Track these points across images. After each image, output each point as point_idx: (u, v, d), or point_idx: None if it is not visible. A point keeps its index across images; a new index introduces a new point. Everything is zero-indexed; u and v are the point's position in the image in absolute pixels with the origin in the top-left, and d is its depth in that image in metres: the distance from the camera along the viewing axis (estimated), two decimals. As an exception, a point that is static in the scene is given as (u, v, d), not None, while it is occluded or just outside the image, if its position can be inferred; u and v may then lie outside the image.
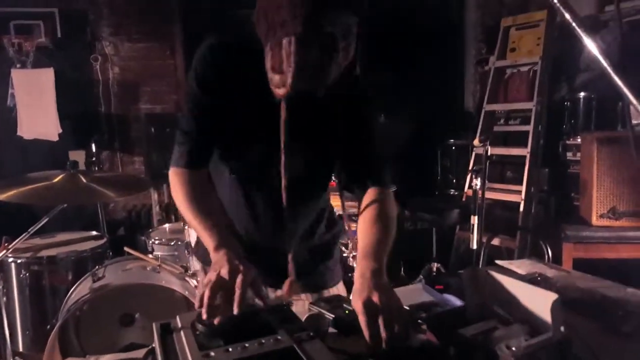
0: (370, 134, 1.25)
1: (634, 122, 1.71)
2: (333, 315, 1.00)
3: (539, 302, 0.81)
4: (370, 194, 1.21)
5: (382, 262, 1.05)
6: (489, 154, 2.51)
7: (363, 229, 1.16)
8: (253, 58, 1.05)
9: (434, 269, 3.43)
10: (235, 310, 0.87)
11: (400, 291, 1.31)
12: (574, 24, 0.72)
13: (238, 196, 1.25)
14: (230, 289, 0.90)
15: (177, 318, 0.90)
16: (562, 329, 0.80)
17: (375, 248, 1.09)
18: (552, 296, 0.79)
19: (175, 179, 1.17)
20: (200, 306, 0.88)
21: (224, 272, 0.94)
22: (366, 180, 1.21)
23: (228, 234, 1.08)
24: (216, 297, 0.90)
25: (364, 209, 1.20)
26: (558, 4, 0.74)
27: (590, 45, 0.72)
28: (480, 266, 2.38)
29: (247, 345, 0.79)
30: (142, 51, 4.01)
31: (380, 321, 0.86)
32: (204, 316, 0.87)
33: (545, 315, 0.80)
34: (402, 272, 3.73)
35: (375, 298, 0.91)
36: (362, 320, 0.88)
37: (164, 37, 4.04)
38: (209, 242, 1.05)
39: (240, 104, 1.15)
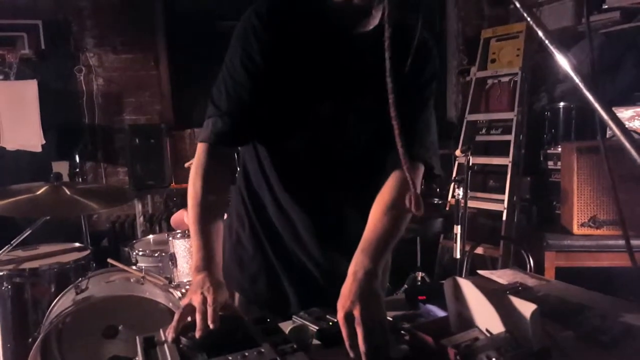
0: (426, 99, 1.15)
1: (609, 133, 1.76)
2: (317, 327, 1.01)
3: (519, 312, 0.83)
4: (398, 175, 1.09)
5: (379, 261, 0.99)
6: (470, 163, 2.54)
7: (373, 215, 1.07)
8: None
9: (419, 278, 3.45)
10: (211, 325, 0.87)
11: (384, 302, 1.33)
12: (546, 41, 0.75)
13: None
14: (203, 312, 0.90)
15: (161, 331, 0.90)
16: (541, 339, 0.82)
17: (379, 243, 1.02)
18: (531, 307, 0.81)
19: (200, 154, 1.09)
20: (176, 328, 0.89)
21: (196, 299, 0.93)
22: (408, 151, 0.93)
23: (213, 254, 1.05)
24: (185, 319, 0.91)
25: (384, 189, 1.09)
26: (531, 22, 0.77)
27: (562, 61, 0.74)
28: (463, 275, 2.41)
29: (230, 358, 0.79)
30: (126, 62, 4.00)
31: (360, 334, 0.85)
32: (170, 336, 0.87)
33: (525, 325, 0.82)
34: (386, 282, 3.74)
35: (357, 309, 0.89)
36: (343, 331, 0.88)
37: (148, 48, 4.04)
38: (194, 258, 1.05)
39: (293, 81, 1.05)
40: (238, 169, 1.26)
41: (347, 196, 1.15)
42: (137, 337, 0.90)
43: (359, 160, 1.12)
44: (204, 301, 0.91)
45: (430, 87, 1.16)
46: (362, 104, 1.08)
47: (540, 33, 0.75)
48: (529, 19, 0.75)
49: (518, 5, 0.74)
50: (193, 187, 1.09)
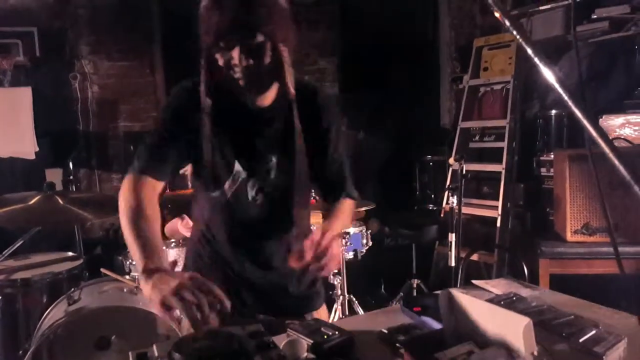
0: (329, 146, 1.37)
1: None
2: (311, 341, 1.01)
3: (512, 325, 0.83)
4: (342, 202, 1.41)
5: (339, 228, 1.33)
6: (464, 171, 2.55)
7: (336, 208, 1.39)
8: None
9: (414, 286, 3.46)
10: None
11: (378, 314, 1.33)
12: (532, 55, 0.76)
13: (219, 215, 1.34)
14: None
15: (154, 347, 0.90)
16: (535, 352, 0.83)
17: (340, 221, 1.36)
18: (524, 320, 0.81)
19: (126, 181, 1.23)
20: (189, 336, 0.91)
21: (166, 293, 0.95)
22: (336, 193, 1.41)
23: (158, 256, 1.09)
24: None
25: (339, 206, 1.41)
26: (519, 39, 0.78)
27: (548, 74, 0.75)
28: (458, 283, 2.41)
29: (225, 374, 0.79)
30: (121, 69, 4.00)
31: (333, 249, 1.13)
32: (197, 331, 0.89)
33: (518, 338, 0.82)
34: (382, 289, 3.74)
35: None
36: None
37: (144, 55, 4.04)
38: (137, 257, 1.08)
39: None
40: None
41: (275, 231, 1.37)
42: (130, 353, 0.89)
43: (280, 202, 1.33)
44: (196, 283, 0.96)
45: (331, 130, 1.38)
46: (275, 160, 1.32)
47: (527, 48, 0.76)
48: (515, 33, 0.77)
49: (507, 23, 0.75)
50: (121, 202, 1.21)
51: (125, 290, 2.06)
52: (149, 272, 1.02)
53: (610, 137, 2.66)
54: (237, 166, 1.29)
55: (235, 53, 1.14)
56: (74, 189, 3.63)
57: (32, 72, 3.71)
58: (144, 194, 1.20)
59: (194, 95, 1.24)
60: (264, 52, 1.16)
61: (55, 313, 1.92)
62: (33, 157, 3.65)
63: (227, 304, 0.96)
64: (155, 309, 0.97)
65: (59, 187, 3.37)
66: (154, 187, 1.24)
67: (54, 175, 3.54)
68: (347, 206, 1.41)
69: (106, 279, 2.18)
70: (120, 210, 1.19)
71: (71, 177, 3.74)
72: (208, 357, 0.84)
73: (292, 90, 1.23)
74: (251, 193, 1.31)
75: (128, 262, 2.40)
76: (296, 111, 1.27)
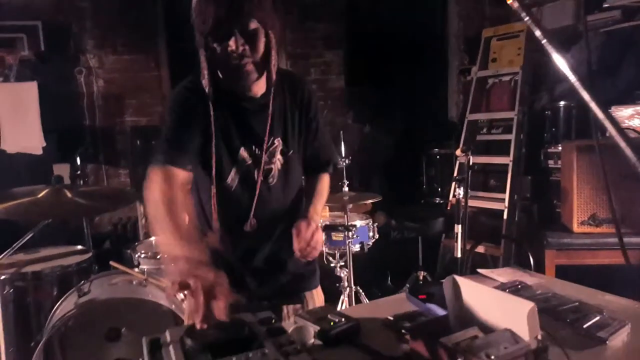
0: (311, 126, 1.46)
1: (608, 133, 1.76)
2: (318, 327, 1.02)
3: (517, 310, 0.83)
4: (321, 177, 1.55)
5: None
6: (471, 163, 2.54)
7: (315, 187, 1.52)
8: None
9: (420, 278, 3.46)
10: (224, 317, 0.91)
11: (384, 302, 1.34)
12: (544, 41, 0.76)
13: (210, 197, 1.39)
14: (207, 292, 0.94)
15: (167, 332, 0.91)
16: (539, 336, 0.83)
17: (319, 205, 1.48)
18: (529, 305, 0.81)
19: (151, 178, 1.25)
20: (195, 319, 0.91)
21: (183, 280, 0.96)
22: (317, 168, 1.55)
23: (191, 242, 1.11)
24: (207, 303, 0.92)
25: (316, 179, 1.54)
26: (530, 21, 0.78)
27: (559, 61, 0.75)
28: (464, 274, 2.41)
29: (234, 359, 0.80)
30: (126, 64, 4.01)
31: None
32: (200, 326, 0.89)
33: (522, 323, 0.82)
34: (389, 281, 3.75)
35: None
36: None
37: (149, 49, 4.06)
38: (173, 251, 1.09)
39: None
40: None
41: (278, 212, 1.44)
42: (144, 339, 0.91)
43: (283, 185, 1.43)
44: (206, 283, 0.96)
45: (316, 115, 1.49)
46: (276, 145, 1.40)
47: (538, 33, 0.76)
48: (527, 19, 0.76)
49: (519, 9, 0.75)
50: (148, 195, 1.23)
51: (134, 282, 2.09)
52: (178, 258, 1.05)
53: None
54: (242, 153, 1.36)
55: (232, 40, 1.20)
56: (82, 184, 3.65)
57: (38, 67, 3.73)
58: (171, 184, 1.24)
59: (195, 90, 1.31)
60: (258, 38, 1.23)
61: (66, 305, 1.94)
62: (40, 152, 3.68)
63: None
64: (166, 293, 1.00)
65: (67, 182, 3.42)
66: (180, 176, 1.28)
67: (61, 170, 3.55)
68: (324, 182, 1.54)
69: (115, 272, 2.20)
70: (150, 202, 1.21)
71: (79, 172, 3.77)
72: (220, 343, 0.85)
73: (274, 75, 1.32)
74: (255, 179, 1.37)
75: (137, 255, 2.42)
76: (288, 97, 1.39)
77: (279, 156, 1.40)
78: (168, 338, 0.89)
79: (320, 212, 1.46)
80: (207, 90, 1.29)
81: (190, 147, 1.32)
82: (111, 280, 2.08)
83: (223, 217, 1.39)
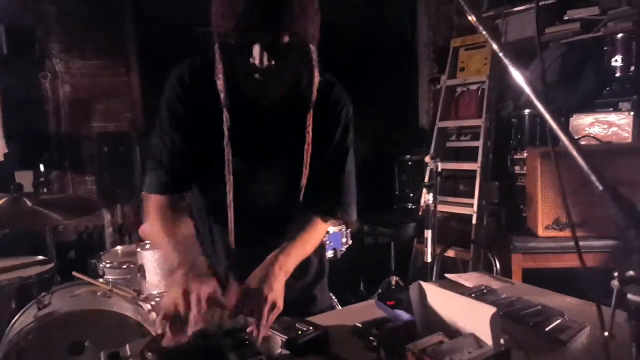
0: (332, 150, 1.23)
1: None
2: (286, 337, 1.01)
3: (480, 315, 0.85)
4: (315, 221, 1.26)
5: (293, 266, 1.15)
6: (439, 169, 2.58)
7: (301, 229, 1.23)
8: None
9: (393, 283, 3.48)
10: (189, 331, 0.90)
11: (354, 308, 1.34)
12: (500, 55, 0.78)
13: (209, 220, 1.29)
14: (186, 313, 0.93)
15: (127, 347, 0.89)
16: (502, 341, 0.84)
17: (298, 253, 1.18)
18: (491, 310, 0.83)
19: (150, 204, 1.20)
20: (162, 336, 0.90)
21: (177, 296, 0.95)
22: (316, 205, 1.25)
23: (188, 254, 1.09)
24: (176, 323, 0.92)
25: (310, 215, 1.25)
26: (490, 39, 0.80)
27: (516, 75, 0.77)
28: (434, 278, 2.44)
29: (197, 371, 0.78)
30: (95, 68, 3.92)
31: (267, 308, 1.00)
32: (164, 343, 0.87)
33: (486, 328, 0.83)
34: (361, 287, 3.76)
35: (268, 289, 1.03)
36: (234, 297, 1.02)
37: (118, 53, 3.97)
38: (170, 261, 1.07)
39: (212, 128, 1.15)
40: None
41: (276, 228, 1.24)
42: (102, 354, 0.88)
43: (276, 205, 1.24)
44: (187, 299, 0.94)
45: (346, 136, 1.27)
46: (277, 157, 1.20)
47: (496, 48, 0.78)
48: (485, 34, 0.78)
49: (481, 28, 0.76)
50: (149, 221, 1.19)
51: (99, 293, 2.03)
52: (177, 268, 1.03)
53: (581, 136, 2.72)
54: (241, 163, 1.18)
55: (256, 51, 1.00)
56: (45, 192, 3.53)
57: (0, 71, 3.61)
58: (170, 215, 1.17)
59: (198, 80, 1.15)
60: (290, 55, 1.03)
61: (25, 319, 1.87)
62: (2, 159, 3.56)
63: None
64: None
65: (29, 190, 3.31)
66: (177, 202, 1.21)
67: (24, 178, 3.44)
68: (317, 232, 1.24)
69: (79, 283, 2.14)
70: (153, 236, 1.20)
71: (42, 180, 3.65)
72: (182, 356, 0.83)
73: (314, 96, 1.13)
74: (255, 191, 1.22)
75: (102, 265, 2.36)
76: (314, 95, 1.14)
77: (282, 170, 1.21)
78: (128, 352, 0.86)
79: (292, 268, 1.15)
80: (222, 96, 1.09)
81: (188, 162, 1.17)
82: (74, 292, 2.02)
83: (219, 227, 1.27)
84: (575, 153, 0.60)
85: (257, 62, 1.00)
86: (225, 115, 1.11)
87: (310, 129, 1.15)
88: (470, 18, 0.76)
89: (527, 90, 0.67)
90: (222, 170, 1.16)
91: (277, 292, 1.03)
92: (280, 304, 1.03)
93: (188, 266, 1.04)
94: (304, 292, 1.35)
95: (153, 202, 1.20)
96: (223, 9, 0.99)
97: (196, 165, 1.19)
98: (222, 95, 1.09)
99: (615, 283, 0.56)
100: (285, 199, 1.23)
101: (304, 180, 1.19)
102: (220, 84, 1.09)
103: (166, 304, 0.96)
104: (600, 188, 0.57)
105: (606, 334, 0.60)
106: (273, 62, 1.01)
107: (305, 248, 1.21)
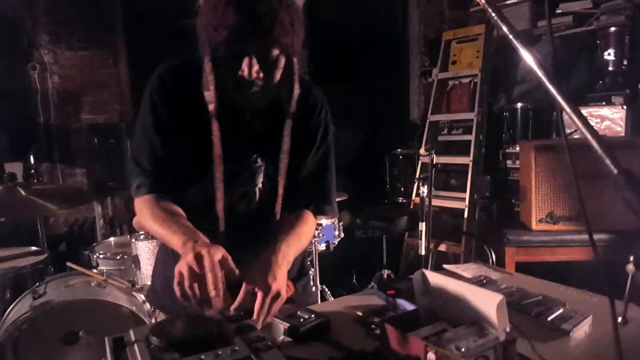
0: (315, 154, 1.25)
1: (568, 130, 1.83)
2: (288, 324, 1.00)
3: (485, 303, 0.85)
4: (305, 215, 1.26)
5: (291, 256, 1.14)
6: (434, 162, 2.59)
7: (295, 221, 1.23)
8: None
9: (385, 276, 3.50)
10: (212, 294, 0.90)
11: (353, 298, 1.34)
12: (511, 37, 0.77)
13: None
14: (202, 276, 0.92)
15: (131, 331, 0.88)
16: (507, 328, 0.85)
17: (296, 245, 1.17)
18: (498, 297, 0.83)
19: (142, 206, 1.17)
20: (186, 299, 0.91)
21: (190, 260, 0.94)
22: (304, 205, 1.26)
23: (194, 230, 1.08)
24: (194, 287, 0.91)
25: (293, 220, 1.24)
26: (496, 18, 0.79)
27: (527, 56, 0.76)
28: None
29: (203, 357, 0.77)
30: (83, 60, 3.86)
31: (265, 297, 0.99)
32: (192, 306, 0.90)
33: (492, 315, 0.84)
34: (354, 280, 3.77)
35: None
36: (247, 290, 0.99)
37: (107, 45, 3.91)
38: (176, 243, 1.05)
39: (196, 129, 1.14)
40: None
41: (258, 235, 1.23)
42: (106, 338, 0.87)
43: (267, 204, 1.24)
44: (200, 261, 0.94)
45: (319, 132, 1.27)
46: (258, 165, 1.21)
47: (504, 29, 0.77)
48: (494, 15, 0.77)
49: (490, 11, 0.76)
50: (145, 221, 1.16)
51: (93, 284, 2.02)
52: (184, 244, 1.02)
53: (573, 130, 2.75)
54: (225, 166, 1.17)
55: (245, 64, 1.02)
56: (36, 183, 3.48)
57: (-13, 62, 3.54)
58: (162, 208, 1.15)
59: (183, 82, 1.14)
60: (277, 67, 1.06)
61: (20, 308, 1.86)
62: (-10, 150, 3.50)
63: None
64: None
65: (19, 181, 3.25)
66: (165, 197, 1.17)
67: (14, 170, 3.35)
68: (308, 226, 1.25)
69: (73, 273, 2.12)
70: (150, 227, 1.15)
71: (32, 171, 3.60)
72: (187, 340, 0.83)
73: (293, 106, 1.15)
74: (238, 195, 1.23)
75: (95, 256, 2.33)
76: (292, 107, 1.17)
77: (264, 174, 1.22)
78: (132, 337, 0.85)
79: (292, 258, 1.14)
80: (210, 107, 1.10)
81: (173, 162, 1.16)
82: (68, 282, 2.00)
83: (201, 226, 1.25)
84: (589, 136, 0.59)
85: (245, 73, 1.02)
86: (215, 127, 1.12)
87: (287, 139, 1.17)
88: (480, 1, 0.75)
89: (541, 75, 0.66)
90: (206, 176, 1.16)
91: (280, 282, 1.03)
92: (284, 293, 1.02)
93: (195, 238, 1.03)
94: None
95: (142, 203, 1.18)
96: (215, 21, 0.99)
97: (178, 168, 1.18)
98: (212, 106, 1.10)
99: (630, 267, 0.55)
100: (265, 209, 1.24)
101: (281, 190, 1.21)
102: (210, 94, 1.10)
103: (181, 269, 0.94)
104: (615, 171, 0.57)
105: (619, 319, 0.60)
106: (261, 75, 1.03)
107: (301, 241, 1.21)
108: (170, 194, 1.18)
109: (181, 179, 1.19)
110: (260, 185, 1.23)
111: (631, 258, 0.57)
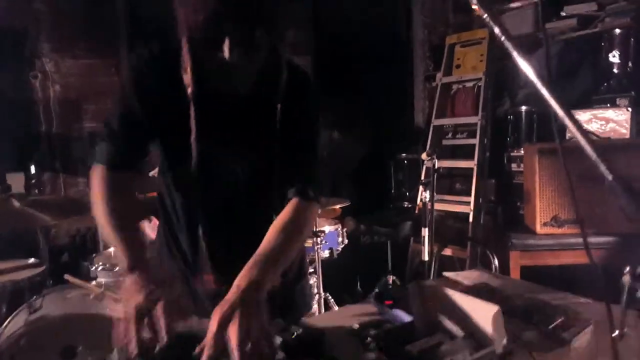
0: (301, 136, 1.22)
1: (568, 135, 1.79)
2: (280, 339, 0.97)
3: (482, 314, 0.82)
4: (296, 201, 1.18)
5: (267, 274, 0.99)
6: (436, 167, 2.56)
7: (269, 233, 1.12)
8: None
9: (390, 282, 3.46)
10: (163, 340, 0.84)
11: (351, 309, 1.31)
12: (508, 45, 0.74)
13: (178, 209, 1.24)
14: (152, 316, 0.88)
15: (114, 352, 0.86)
16: (504, 341, 0.81)
17: (269, 258, 1.03)
18: (493, 308, 0.80)
19: (95, 175, 1.14)
20: (125, 342, 0.85)
21: (140, 300, 0.90)
22: (288, 189, 1.19)
23: (142, 253, 1.05)
24: (141, 330, 0.86)
25: (282, 212, 1.16)
26: (493, 24, 0.76)
27: (523, 64, 0.74)
28: (431, 277, 2.42)
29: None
30: (85, 68, 3.87)
31: (234, 339, 0.83)
32: (134, 351, 0.82)
33: (488, 327, 0.81)
34: (358, 287, 3.74)
35: (236, 315, 0.86)
36: (210, 337, 0.84)
37: (109, 53, 3.93)
38: (123, 257, 1.03)
39: (172, 108, 1.12)
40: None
41: (238, 221, 1.22)
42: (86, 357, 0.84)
43: (254, 194, 1.21)
44: (151, 303, 0.89)
45: (310, 120, 1.24)
46: (244, 148, 1.18)
47: (503, 39, 0.75)
48: (493, 25, 0.75)
49: (486, 16, 0.73)
50: (99, 209, 1.11)
51: (91, 296, 1.98)
52: (131, 270, 0.99)
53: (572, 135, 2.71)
54: (208, 154, 1.14)
55: (227, 45, 0.97)
56: (37, 193, 3.48)
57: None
58: (118, 189, 1.12)
59: (158, 66, 1.12)
60: (260, 49, 1.02)
61: (15, 323, 1.82)
62: (-8, 160, 3.51)
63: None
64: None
65: (21, 191, 3.25)
66: (127, 181, 1.15)
67: (15, 180, 3.38)
68: (300, 222, 1.15)
69: (71, 286, 2.09)
70: (95, 210, 1.12)
71: (34, 181, 3.60)
72: (173, 358, 0.80)
73: (282, 89, 1.13)
74: (224, 184, 1.19)
75: (94, 268, 2.31)
76: (280, 97, 1.14)
77: (251, 162, 1.19)
78: (116, 357, 0.83)
79: (270, 271, 1.01)
80: (189, 90, 1.08)
81: (143, 140, 1.15)
82: (66, 295, 1.97)
83: (185, 225, 1.24)
84: (583, 142, 0.56)
85: (226, 55, 0.98)
86: (192, 110, 1.09)
87: (273, 122, 1.15)
88: (474, 7, 0.73)
89: (534, 79, 0.63)
90: (182, 161, 1.13)
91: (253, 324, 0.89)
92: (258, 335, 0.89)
93: (142, 268, 0.99)
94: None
95: (100, 177, 1.14)
96: (194, 2, 0.96)
97: (155, 142, 1.17)
98: (189, 90, 1.08)
99: (627, 279, 0.52)
100: (254, 190, 1.21)
101: (267, 175, 1.18)
102: (187, 77, 1.07)
103: (127, 313, 0.90)
104: (609, 177, 0.54)
105: (616, 332, 0.57)
106: (243, 56, 0.99)
107: (287, 254, 1.10)
108: (133, 172, 1.15)
109: (163, 156, 1.18)
110: (248, 169, 1.20)
111: (627, 269, 0.54)
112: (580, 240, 2.44)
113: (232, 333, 0.83)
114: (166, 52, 1.12)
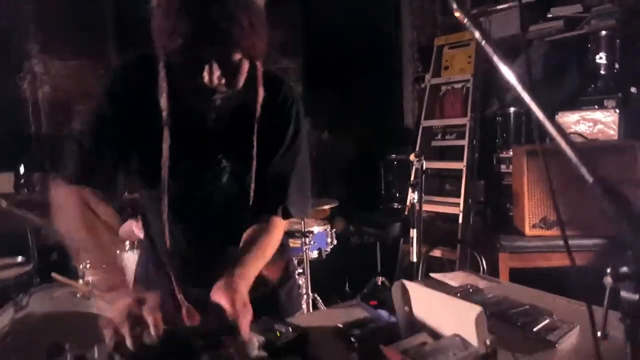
0: (280, 158, 1.21)
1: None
2: (263, 338, 0.97)
3: (465, 315, 0.82)
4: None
5: (250, 270, 1.08)
6: (424, 168, 2.56)
7: (248, 236, 1.17)
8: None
9: (379, 283, 3.47)
10: (158, 333, 0.85)
11: (337, 309, 1.31)
12: (488, 49, 0.75)
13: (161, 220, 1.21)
14: (141, 315, 0.88)
15: (95, 348, 0.86)
16: (487, 341, 0.82)
17: (249, 258, 1.11)
18: (476, 309, 0.80)
19: (60, 194, 1.12)
20: (118, 339, 0.84)
21: (129, 301, 0.91)
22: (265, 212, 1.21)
23: (120, 274, 1.05)
24: (134, 327, 0.86)
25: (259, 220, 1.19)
26: (473, 29, 0.77)
27: (503, 68, 0.75)
28: (419, 278, 2.42)
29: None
30: (74, 69, 3.84)
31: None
32: (132, 348, 0.83)
33: (471, 328, 0.81)
34: (347, 287, 3.74)
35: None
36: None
37: (98, 54, 3.90)
38: (107, 281, 1.03)
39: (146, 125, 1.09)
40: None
41: (212, 241, 1.22)
42: (68, 355, 0.84)
43: (232, 207, 1.21)
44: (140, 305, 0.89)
45: (288, 131, 1.22)
46: (225, 160, 1.17)
47: (484, 44, 0.76)
48: (474, 29, 0.76)
49: (467, 22, 0.74)
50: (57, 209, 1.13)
51: (78, 295, 1.97)
52: (107, 289, 1.00)
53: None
54: (185, 169, 1.14)
55: (206, 71, 0.96)
56: (26, 193, 3.45)
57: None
58: (91, 213, 1.10)
59: (137, 79, 1.09)
60: (240, 71, 1.01)
61: (0, 321, 1.81)
62: (-20, 161, 3.46)
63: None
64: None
65: (10, 191, 3.22)
66: (95, 195, 1.11)
67: (4, 180, 3.35)
68: (276, 234, 1.19)
69: (58, 285, 2.08)
70: (67, 231, 1.11)
71: (23, 182, 3.56)
72: (151, 356, 0.80)
73: (258, 110, 1.11)
74: (201, 197, 1.19)
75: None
76: (258, 112, 1.13)
77: (230, 176, 1.18)
78: (96, 354, 0.83)
79: (250, 282, 1.06)
80: (164, 114, 1.05)
81: (113, 157, 1.11)
82: (53, 294, 1.96)
83: (163, 236, 1.20)
84: (564, 145, 0.57)
85: (206, 80, 0.97)
86: (166, 134, 1.07)
87: (253, 140, 1.14)
88: (456, 14, 0.73)
89: (515, 84, 0.64)
90: (157, 177, 1.11)
91: (244, 296, 0.99)
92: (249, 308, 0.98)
93: (126, 285, 1.01)
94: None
95: (68, 193, 1.11)
96: (168, 27, 0.93)
97: (123, 166, 1.16)
98: (164, 114, 1.05)
99: (608, 280, 0.53)
100: (228, 212, 1.21)
101: (251, 192, 1.18)
102: (163, 102, 1.05)
103: (118, 313, 0.90)
104: (590, 180, 0.55)
105: (598, 334, 0.57)
106: (223, 81, 0.98)
107: (265, 254, 1.15)
108: (103, 190, 1.12)
109: (135, 176, 1.17)
110: (226, 187, 1.18)
111: (608, 270, 0.55)
112: (570, 242, 2.47)
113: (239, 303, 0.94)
114: (144, 70, 1.08)
